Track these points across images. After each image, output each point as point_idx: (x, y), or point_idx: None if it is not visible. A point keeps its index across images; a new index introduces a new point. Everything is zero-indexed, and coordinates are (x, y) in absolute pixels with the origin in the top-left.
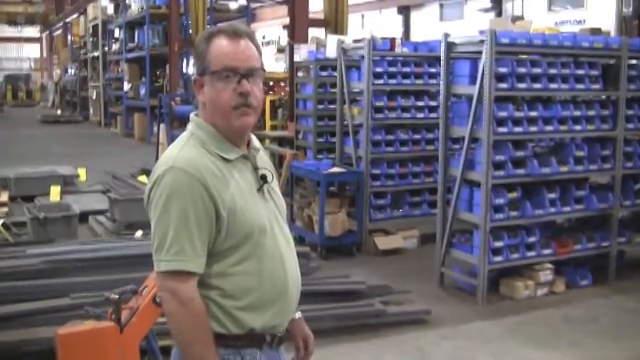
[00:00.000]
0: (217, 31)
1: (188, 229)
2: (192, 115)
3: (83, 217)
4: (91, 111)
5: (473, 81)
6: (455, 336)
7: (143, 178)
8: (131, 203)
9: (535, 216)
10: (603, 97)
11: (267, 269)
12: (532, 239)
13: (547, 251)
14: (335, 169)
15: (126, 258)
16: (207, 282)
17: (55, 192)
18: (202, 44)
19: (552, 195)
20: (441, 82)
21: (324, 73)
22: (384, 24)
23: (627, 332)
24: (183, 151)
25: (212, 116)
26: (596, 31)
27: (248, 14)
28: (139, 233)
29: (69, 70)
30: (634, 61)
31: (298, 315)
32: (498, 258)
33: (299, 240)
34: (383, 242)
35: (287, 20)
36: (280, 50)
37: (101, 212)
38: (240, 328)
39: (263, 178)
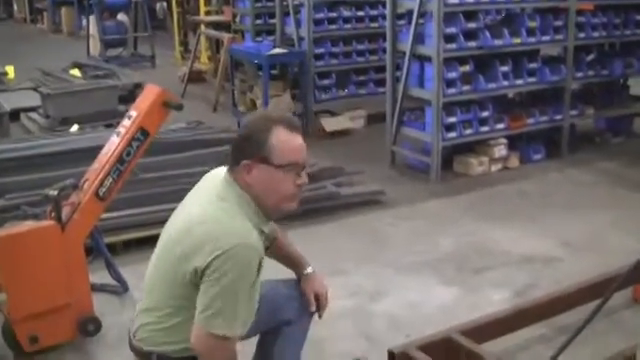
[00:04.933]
0: (274, 121)
1: (248, 304)
2: (236, 188)
3: (14, 115)
4: (15, 7)
5: None
6: (411, 216)
7: (75, 72)
8: (65, 97)
9: (488, 90)
10: None
11: None
12: (485, 114)
13: (500, 126)
14: (277, 50)
15: (63, 154)
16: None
17: None
18: (262, 133)
19: (504, 68)
20: None
21: None
22: None
23: (581, 204)
24: (244, 225)
25: (261, 197)
26: None
27: None
28: (75, 127)
29: None
30: None
31: (309, 270)
32: (451, 134)
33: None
34: (330, 123)
35: None
36: None
37: (33, 109)
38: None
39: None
